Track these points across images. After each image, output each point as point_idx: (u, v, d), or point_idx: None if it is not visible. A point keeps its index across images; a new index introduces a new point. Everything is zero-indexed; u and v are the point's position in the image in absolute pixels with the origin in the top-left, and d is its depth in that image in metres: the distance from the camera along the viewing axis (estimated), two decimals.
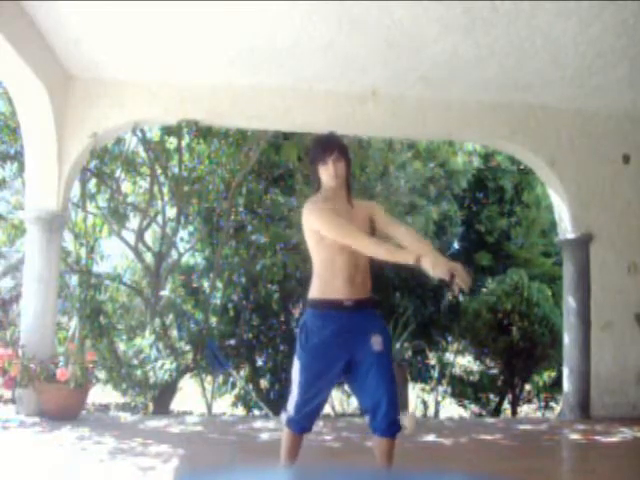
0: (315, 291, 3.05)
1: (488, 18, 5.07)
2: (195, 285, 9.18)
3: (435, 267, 2.68)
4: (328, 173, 3.05)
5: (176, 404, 8.60)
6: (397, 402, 3.02)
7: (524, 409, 9.94)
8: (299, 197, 8.62)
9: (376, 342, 2.97)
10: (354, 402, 9.74)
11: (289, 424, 3.10)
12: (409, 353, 9.79)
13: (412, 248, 2.90)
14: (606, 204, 6.79)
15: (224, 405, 9.53)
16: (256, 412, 8.87)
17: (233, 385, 9.27)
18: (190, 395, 9.45)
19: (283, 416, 3.14)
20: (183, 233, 9.25)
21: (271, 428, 5.80)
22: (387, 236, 3.09)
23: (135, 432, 5.43)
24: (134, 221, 8.60)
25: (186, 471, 4.04)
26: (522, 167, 10.12)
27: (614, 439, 5.48)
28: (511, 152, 7.57)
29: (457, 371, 10.55)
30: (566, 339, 6.75)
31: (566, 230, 6.85)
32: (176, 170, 8.17)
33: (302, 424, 3.10)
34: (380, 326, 3.07)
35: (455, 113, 6.66)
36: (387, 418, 2.96)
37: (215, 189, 8.43)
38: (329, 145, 3.09)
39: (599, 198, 6.79)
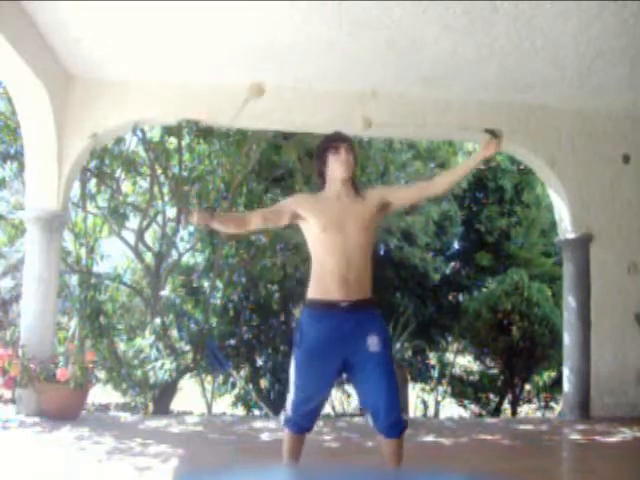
0: (311, 291, 3.03)
1: (488, 18, 5.07)
2: (195, 285, 9.18)
3: None
4: (340, 161, 3.06)
5: (176, 404, 8.60)
6: (397, 402, 2.97)
7: (524, 409, 9.94)
8: None
9: (372, 343, 2.92)
10: (354, 402, 9.74)
11: (287, 424, 3.08)
12: (409, 353, 9.79)
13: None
14: (606, 204, 6.79)
15: (224, 405, 9.53)
16: (256, 412, 8.87)
17: (233, 385, 9.27)
18: (190, 395, 9.45)
19: (281, 416, 3.13)
20: (183, 233, 9.25)
21: (271, 428, 5.80)
22: (413, 202, 3.39)
23: (135, 432, 5.43)
24: (134, 221, 8.60)
25: (186, 471, 4.03)
26: (522, 167, 10.12)
27: (614, 439, 5.47)
28: (511, 152, 7.56)
29: (457, 371, 10.56)
30: (566, 339, 6.75)
31: (566, 230, 6.85)
32: (176, 170, 8.17)
33: (300, 424, 3.07)
34: (378, 327, 2.99)
35: (455, 113, 6.65)
36: (388, 419, 2.93)
37: (215, 189, 8.42)
38: (341, 136, 3.15)
39: (599, 198, 6.79)
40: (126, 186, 8.64)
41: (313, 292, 3.02)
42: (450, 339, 10.69)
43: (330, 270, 2.94)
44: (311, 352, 2.97)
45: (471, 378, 10.43)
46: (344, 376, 3.31)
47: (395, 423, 2.94)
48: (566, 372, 6.72)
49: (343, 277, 2.93)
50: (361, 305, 2.97)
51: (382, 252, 10.01)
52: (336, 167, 3.07)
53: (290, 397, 3.06)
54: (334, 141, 3.11)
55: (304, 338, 2.99)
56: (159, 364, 7.36)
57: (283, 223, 3.15)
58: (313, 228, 3.02)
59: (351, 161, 3.08)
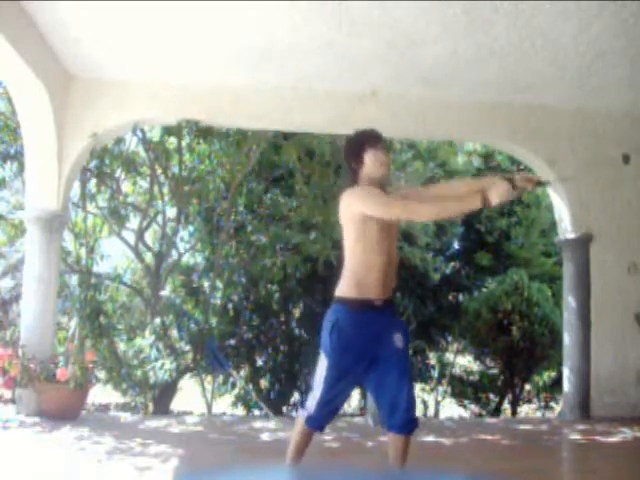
0: (349, 290, 2.99)
1: (488, 18, 5.07)
2: (195, 285, 9.18)
3: (503, 194, 2.71)
4: (380, 160, 3.01)
5: (176, 404, 8.60)
6: (414, 400, 3.04)
7: (524, 409, 9.95)
8: (299, 197, 8.63)
9: (398, 339, 3.00)
10: (354, 402, 9.75)
11: (308, 422, 3.05)
12: (409, 353, 9.75)
13: (463, 190, 3.02)
14: (606, 204, 6.78)
15: (224, 405, 9.53)
16: (256, 412, 8.87)
17: (233, 385, 9.27)
18: (190, 395, 9.45)
19: (302, 413, 3.09)
20: (183, 233, 9.26)
21: (271, 428, 5.80)
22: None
23: (135, 432, 5.43)
24: (134, 221, 8.60)
25: (186, 471, 4.03)
26: (522, 167, 10.11)
27: (614, 439, 5.47)
28: (511, 152, 7.57)
29: (457, 371, 10.56)
30: (566, 339, 6.75)
31: (566, 230, 6.85)
32: (176, 170, 8.17)
33: (320, 421, 3.08)
34: (401, 323, 3.12)
35: (455, 113, 6.65)
36: (405, 416, 2.96)
37: (215, 189, 8.43)
38: (379, 134, 3.11)
39: (599, 198, 6.79)
40: (126, 186, 8.64)
41: (349, 291, 2.98)
42: (450, 339, 10.69)
43: (374, 270, 2.95)
44: (347, 351, 2.97)
45: (471, 378, 10.43)
46: None
47: (411, 420, 2.98)
48: (566, 372, 6.72)
49: (384, 277, 2.97)
50: (389, 302, 3.04)
51: None
52: (376, 167, 3.02)
53: (315, 395, 3.03)
54: (373, 139, 3.05)
55: (341, 336, 2.96)
56: (159, 364, 7.36)
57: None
58: (374, 227, 2.93)
59: (389, 161, 3.11)
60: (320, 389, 3.01)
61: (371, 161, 3.02)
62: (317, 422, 3.07)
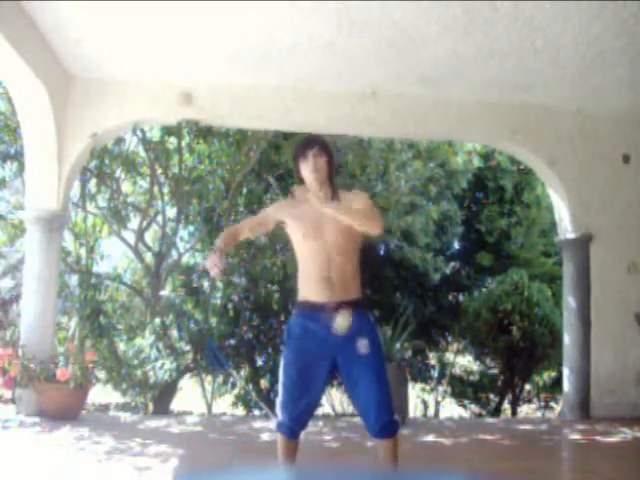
0: (299, 293, 3.07)
1: (488, 18, 5.07)
2: (195, 285, 9.17)
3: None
4: (308, 168, 3.07)
5: (176, 404, 8.60)
6: (389, 403, 2.97)
7: (524, 409, 9.94)
8: None
9: (362, 345, 2.93)
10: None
11: (279, 428, 3.08)
12: (409, 353, 9.78)
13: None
14: (606, 204, 6.79)
15: (224, 405, 9.53)
16: (256, 412, 8.87)
17: (233, 385, 9.26)
18: (190, 395, 9.45)
19: (274, 421, 3.14)
20: (183, 233, 9.25)
21: (271, 428, 5.79)
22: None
23: (135, 432, 5.43)
24: (134, 221, 8.60)
25: (186, 471, 4.03)
26: (522, 167, 10.12)
27: (614, 439, 5.47)
28: (511, 152, 7.57)
29: (457, 371, 10.55)
30: (566, 339, 6.75)
31: (566, 230, 6.85)
32: (176, 170, 8.17)
33: (291, 427, 3.05)
34: (366, 328, 3.00)
35: (455, 113, 6.66)
36: (379, 421, 2.94)
37: (215, 189, 8.43)
38: (309, 141, 3.15)
39: (599, 198, 6.79)
40: (126, 186, 8.64)
41: (300, 294, 3.07)
42: (450, 339, 10.68)
43: (313, 273, 2.99)
44: (297, 352, 3.03)
45: (471, 378, 10.43)
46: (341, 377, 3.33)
47: (386, 425, 2.95)
48: (566, 372, 6.72)
49: (326, 279, 2.96)
50: (347, 307, 2.97)
51: (382, 252, 10.01)
52: (306, 174, 3.09)
53: (279, 398, 3.08)
54: (301, 148, 3.12)
55: (291, 338, 3.06)
56: (159, 364, 7.36)
57: (269, 230, 3.28)
58: (295, 233, 3.08)
59: (321, 165, 3.06)
60: (281, 391, 3.06)
61: (302, 169, 3.12)
62: (288, 428, 3.05)
